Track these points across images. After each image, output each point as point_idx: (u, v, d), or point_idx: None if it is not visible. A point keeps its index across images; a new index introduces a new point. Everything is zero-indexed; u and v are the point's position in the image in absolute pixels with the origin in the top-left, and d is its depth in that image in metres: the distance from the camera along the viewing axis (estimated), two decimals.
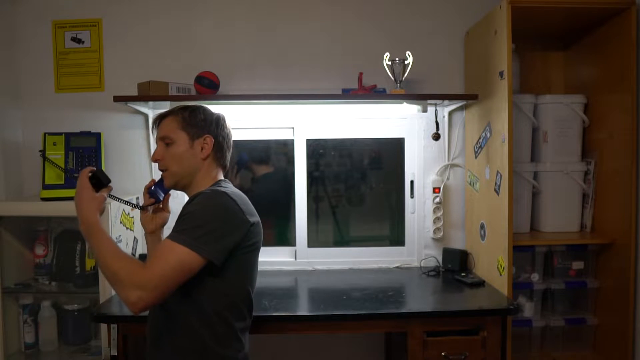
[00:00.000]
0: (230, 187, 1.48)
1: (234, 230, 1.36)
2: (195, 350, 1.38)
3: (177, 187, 1.53)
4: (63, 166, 2.09)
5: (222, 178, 1.55)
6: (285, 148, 2.43)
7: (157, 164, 1.52)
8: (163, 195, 1.57)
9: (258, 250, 1.50)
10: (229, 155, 1.58)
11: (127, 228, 2.11)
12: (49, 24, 2.32)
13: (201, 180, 1.50)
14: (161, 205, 1.59)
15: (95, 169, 1.42)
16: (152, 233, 1.59)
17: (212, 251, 1.31)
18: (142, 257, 2.18)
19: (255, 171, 2.48)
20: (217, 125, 1.53)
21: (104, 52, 2.33)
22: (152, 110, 2.29)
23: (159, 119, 1.54)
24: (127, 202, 1.59)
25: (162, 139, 1.50)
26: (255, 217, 1.46)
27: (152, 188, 1.56)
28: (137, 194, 2.05)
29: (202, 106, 1.56)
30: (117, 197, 1.58)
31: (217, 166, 1.54)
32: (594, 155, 2.11)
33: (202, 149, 1.49)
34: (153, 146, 2.28)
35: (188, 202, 1.42)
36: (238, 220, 1.38)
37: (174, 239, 1.30)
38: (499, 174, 1.95)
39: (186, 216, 1.35)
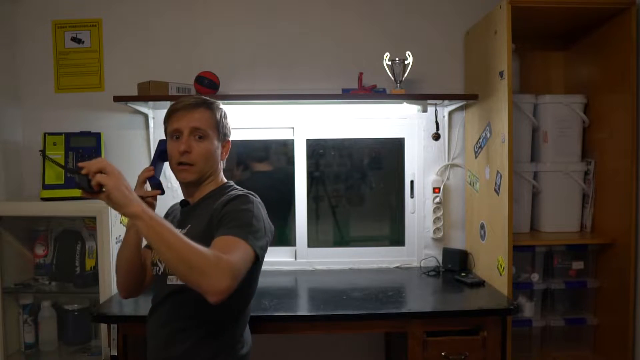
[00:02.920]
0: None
1: (268, 232, 1.36)
2: (196, 352, 1.38)
3: (194, 184, 1.44)
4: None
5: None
6: (285, 148, 2.43)
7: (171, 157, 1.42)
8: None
9: (263, 259, 1.43)
10: None
11: None
12: (49, 24, 2.31)
13: (213, 180, 1.47)
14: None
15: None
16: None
17: (259, 247, 1.26)
18: None
19: (254, 170, 2.48)
20: (230, 130, 1.53)
21: (104, 52, 2.33)
22: (152, 110, 2.29)
23: (191, 107, 1.40)
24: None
25: (195, 130, 1.38)
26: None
27: (157, 178, 1.46)
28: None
29: None
30: None
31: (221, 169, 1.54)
32: (594, 155, 2.11)
33: (221, 151, 1.47)
34: (153, 146, 2.27)
35: (224, 203, 1.34)
36: (268, 224, 1.38)
37: (234, 234, 1.22)
38: (499, 174, 1.95)
39: (232, 214, 1.29)
